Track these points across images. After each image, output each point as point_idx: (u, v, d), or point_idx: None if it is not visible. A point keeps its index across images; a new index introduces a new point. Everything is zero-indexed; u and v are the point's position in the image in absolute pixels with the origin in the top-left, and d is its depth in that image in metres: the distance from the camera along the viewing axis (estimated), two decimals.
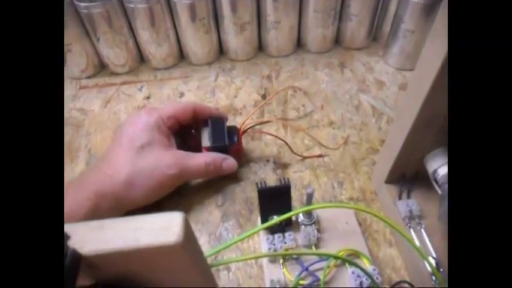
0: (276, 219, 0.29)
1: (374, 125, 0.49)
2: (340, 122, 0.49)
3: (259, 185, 0.32)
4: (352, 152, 0.45)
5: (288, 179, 0.33)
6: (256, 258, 0.34)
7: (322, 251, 0.34)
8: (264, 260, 0.34)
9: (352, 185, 0.42)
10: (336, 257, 0.29)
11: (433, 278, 0.30)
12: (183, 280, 0.17)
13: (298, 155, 0.45)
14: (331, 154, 0.45)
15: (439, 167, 0.33)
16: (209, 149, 0.41)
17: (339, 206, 0.33)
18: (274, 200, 0.33)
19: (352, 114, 0.51)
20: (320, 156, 0.45)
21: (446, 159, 0.32)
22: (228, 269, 0.35)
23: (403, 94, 0.51)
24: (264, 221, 0.35)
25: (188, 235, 0.12)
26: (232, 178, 0.43)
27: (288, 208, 0.34)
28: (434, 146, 0.33)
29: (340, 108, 0.52)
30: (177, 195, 0.40)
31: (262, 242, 0.35)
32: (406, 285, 0.26)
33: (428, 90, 0.27)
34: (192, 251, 0.14)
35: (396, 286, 0.27)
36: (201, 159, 0.39)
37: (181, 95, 0.56)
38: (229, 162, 0.41)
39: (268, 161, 0.45)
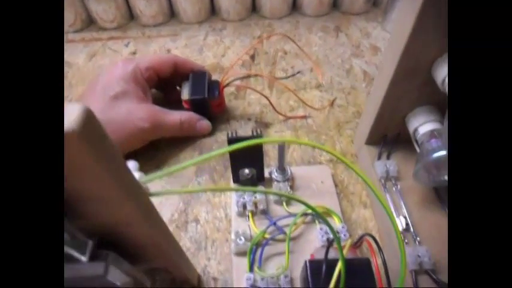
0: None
1: (363, 90, 0.47)
2: (328, 85, 0.48)
3: (230, 135, 0.31)
4: (337, 115, 0.44)
5: (261, 131, 0.31)
6: (201, 191, 0.33)
7: (285, 193, 0.33)
8: (233, 214, 0.33)
9: (333, 147, 0.40)
10: (308, 207, 0.27)
11: (402, 237, 0.29)
12: (117, 213, 0.16)
13: (282, 115, 0.43)
14: (316, 116, 0.44)
15: (420, 125, 0.31)
16: (188, 102, 0.40)
17: (298, 142, 0.32)
18: (246, 153, 0.31)
19: (341, 78, 0.49)
20: (304, 117, 0.43)
21: (426, 118, 0.31)
22: (197, 222, 0.34)
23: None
24: (234, 174, 0.34)
25: (93, 129, 0.11)
26: (210, 135, 0.42)
27: (260, 162, 0.33)
28: (416, 105, 0.32)
29: (330, 72, 0.49)
30: (153, 148, 0.40)
31: (233, 196, 0.34)
32: (369, 238, 0.25)
33: (407, 38, 0.25)
34: (105, 157, 0.13)
35: (360, 240, 0.26)
36: (176, 117, 0.38)
37: (168, 51, 0.55)
38: (203, 123, 0.41)
39: (249, 119, 0.43)
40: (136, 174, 0.17)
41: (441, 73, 0.27)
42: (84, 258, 0.15)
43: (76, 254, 0.15)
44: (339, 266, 0.23)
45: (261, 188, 0.33)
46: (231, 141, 0.31)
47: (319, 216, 0.21)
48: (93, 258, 0.16)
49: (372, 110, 0.33)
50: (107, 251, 0.16)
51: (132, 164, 0.18)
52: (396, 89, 0.29)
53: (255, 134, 0.31)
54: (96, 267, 0.16)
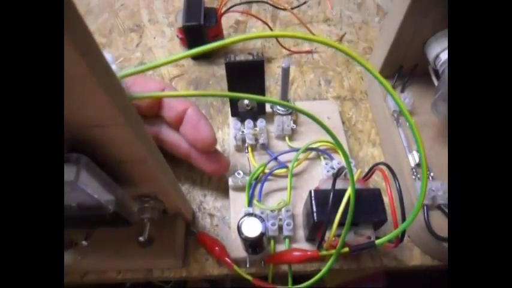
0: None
1: (376, 25, 0.43)
2: (337, 19, 0.43)
3: (228, 59, 0.27)
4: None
5: (262, 53, 0.28)
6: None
7: (292, 105, 0.30)
8: (231, 149, 0.31)
9: (341, 83, 0.37)
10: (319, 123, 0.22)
11: (414, 172, 0.27)
12: (88, 102, 0.13)
13: (286, 49, 0.39)
14: (322, 52, 0.40)
15: (442, 50, 0.27)
16: (182, 30, 0.36)
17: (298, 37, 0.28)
18: (245, 78, 0.28)
19: (352, 12, 0.44)
20: (309, 52, 0.40)
21: None
22: None
23: None
24: (233, 106, 0.31)
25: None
26: (208, 70, 0.38)
27: (262, 90, 0.29)
28: (440, 28, 0.28)
29: (340, 5, 0.45)
30: None
31: (230, 130, 0.31)
32: (383, 166, 0.22)
33: None
34: (72, 28, 0.09)
35: (370, 171, 0.24)
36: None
37: None
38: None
39: (250, 54, 0.39)
40: (113, 67, 0.14)
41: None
42: None
43: None
44: (348, 194, 0.21)
45: (261, 120, 0.30)
46: (229, 65, 0.27)
47: (330, 134, 0.18)
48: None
49: (388, 34, 0.29)
50: (79, 154, 0.14)
51: (107, 56, 0.15)
52: (420, 3, 0.25)
53: (255, 57, 0.28)
54: (65, 171, 0.13)
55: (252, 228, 0.21)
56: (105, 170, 0.16)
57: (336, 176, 0.22)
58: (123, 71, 0.14)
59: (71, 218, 0.19)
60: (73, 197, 0.16)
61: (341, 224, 0.21)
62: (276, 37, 0.37)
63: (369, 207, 0.22)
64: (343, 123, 0.34)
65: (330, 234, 0.21)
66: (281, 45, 0.39)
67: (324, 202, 0.22)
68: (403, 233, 0.20)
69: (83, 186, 0.13)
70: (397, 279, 0.65)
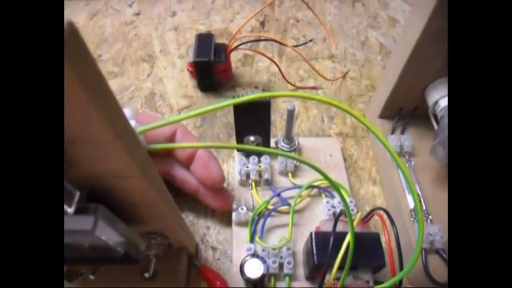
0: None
1: (379, 63, 0.44)
2: (341, 56, 0.45)
3: (236, 97, 0.29)
4: (349, 88, 0.41)
5: (269, 90, 0.29)
6: (208, 147, 0.30)
7: (296, 157, 0.31)
8: (235, 183, 0.32)
9: (343, 120, 0.38)
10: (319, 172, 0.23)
11: (413, 214, 0.28)
12: (109, 160, 0.14)
13: (291, 84, 0.41)
14: (327, 88, 0.41)
15: (441, 97, 0.29)
16: (192, 65, 0.38)
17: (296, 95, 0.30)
18: (252, 118, 0.29)
19: (356, 50, 0.46)
20: (314, 88, 0.41)
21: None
22: None
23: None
24: (239, 141, 0.32)
25: (78, 48, 0.09)
26: (215, 101, 0.40)
27: (267, 129, 0.31)
28: (439, 75, 0.29)
29: (344, 42, 0.47)
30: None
31: (236, 164, 0.32)
32: (381, 211, 0.23)
33: None
34: (94, 86, 0.11)
35: (370, 214, 0.25)
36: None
37: (174, 14, 0.52)
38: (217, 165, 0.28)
39: (256, 87, 0.41)
40: (132, 123, 0.15)
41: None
42: (70, 210, 0.14)
43: None
44: (348, 238, 0.22)
45: (266, 157, 0.31)
46: (237, 107, 0.29)
47: (331, 182, 0.19)
48: (80, 211, 0.14)
49: (390, 79, 0.31)
50: (97, 204, 0.15)
51: (127, 112, 0.16)
52: (420, 55, 0.27)
53: (263, 100, 0.29)
54: (83, 221, 0.14)
55: (254, 269, 0.22)
56: (118, 212, 0.17)
57: (336, 219, 0.23)
58: (141, 127, 0.15)
59: (82, 257, 0.20)
60: (86, 240, 0.17)
61: (340, 267, 0.22)
62: (275, 97, 0.38)
63: (368, 251, 0.23)
64: (345, 160, 0.35)
65: (329, 277, 0.22)
66: (286, 80, 0.41)
67: (324, 244, 0.23)
68: (400, 281, 0.21)
69: (99, 234, 0.14)
70: None
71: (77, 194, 0.14)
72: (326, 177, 0.19)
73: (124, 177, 0.15)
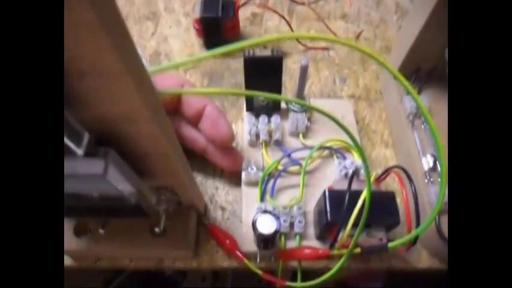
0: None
1: (394, 23, 0.42)
2: (355, 16, 0.43)
3: (247, 53, 0.27)
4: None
5: (281, 51, 0.28)
6: (220, 94, 0.28)
7: (314, 106, 0.30)
8: (245, 144, 0.31)
9: (356, 82, 0.37)
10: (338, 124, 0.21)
11: (427, 176, 0.27)
12: (119, 99, 0.13)
13: (302, 44, 0.39)
14: (338, 49, 0.40)
15: None
16: (199, 21, 0.36)
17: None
18: (263, 75, 0.28)
19: (370, 9, 0.43)
20: (325, 49, 0.39)
21: None
22: None
23: None
24: (248, 99, 0.31)
25: None
26: (222, 63, 0.38)
27: (278, 87, 0.29)
28: None
29: (358, 1, 0.44)
30: None
31: (245, 125, 0.32)
32: (399, 170, 0.22)
33: None
34: (108, 15, 0.10)
35: (385, 173, 0.24)
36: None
37: None
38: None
39: (265, 47, 0.39)
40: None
41: None
42: (79, 151, 0.13)
43: (70, 145, 0.12)
44: (363, 196, 0.21)
45: (276, 116, 0.30)
46: (248, 60, 0.27)
47: (349, 134, 0.18)
48: (90, 154, 0.14)
49: (409, 35, 0.29)
50: (107, 148, 0.14)
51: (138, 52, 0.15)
52: (443, 12, 0.25)
53: (274, 53, 0.28)
54: (94, 165, 0.13)
55: (267, 225, 0.21)
56: (128, 162, 0.17)
57: (351, 177, 0.22)
58: (148, 67, 0.14)
59: (92, 207, 0.19)
60: (96, 188, 0.16)
61: (354, 225, 0.21)
62: (298, 38, 0.36)
63: (382, 209, 0.22)
64: (357, 122, 0.34)
65: (343, 235, 0.21)
66: (298, 40, 0.39)
67: (338, 202, 0.22)
68: (416, 237, 0.20)
69: (111, 179, 0.14)
70: (395, 277, 0.66)
71: (86, 136, 0.13)
72: (345, 130, 0.18)
73: (134, 121, 0.14)
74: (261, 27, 0.41)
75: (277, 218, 0.22)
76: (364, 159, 0.19)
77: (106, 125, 0.14)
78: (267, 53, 0.27)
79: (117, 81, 0.12)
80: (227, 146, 0.27)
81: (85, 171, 0.13)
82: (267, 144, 0.30)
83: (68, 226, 0.25)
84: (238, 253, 0.26)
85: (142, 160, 0.18)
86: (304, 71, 0.28)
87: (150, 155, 0.17)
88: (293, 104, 0.31)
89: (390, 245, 0.21)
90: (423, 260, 0.27)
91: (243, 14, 0.42)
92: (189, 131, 0.28)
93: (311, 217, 0.27)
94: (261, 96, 0.19)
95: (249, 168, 0.28)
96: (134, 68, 0.12)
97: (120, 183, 0.15)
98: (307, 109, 0.31)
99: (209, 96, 0.25)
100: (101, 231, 0.22)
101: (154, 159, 0.18)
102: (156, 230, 0.22)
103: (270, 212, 0.22)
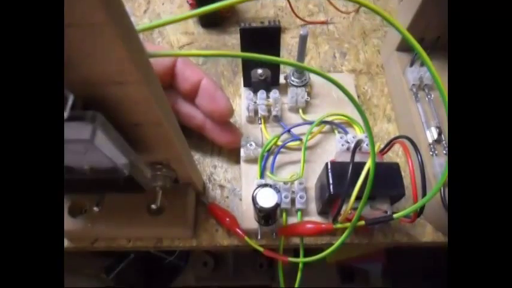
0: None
1: None
2: None
3: (243, 25, 0.26)
4: (363, 23, 0.38)
5: (278, 21, 0.27)
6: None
7: (317, 70, 0.29)
8: (243, 120, 0.30)
9: (356, 56, 0.36)
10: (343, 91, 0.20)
11: (432, 148, 0.26)
12: (106, 58, 0.12)
13: (300, 18, 0.38)
14: (338, 22, 0.38)
15: None
16: None
17: None
18: (260, 45, 0.27)
19: None
20: (324, 23, 0.38)
21: None
22: None
23: None
24: (245, 74, 0.30)
25: None
26: (218, 39, 0.37)
27: (277, 57, 0.28)
28: None
29: None
30: None
31: (242, 100, 0.31)
32: (404, 140, 0.21)
33: None
34: None
35: (389, 144, 0.23)
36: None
37: None
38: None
39: (262, 22, 0.38)
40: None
41: None
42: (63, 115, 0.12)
43: None
44: (367, 166, 0.20)
45: (275, 91, 0.29)
46: (244, 31, 0.26)
47: (354, 102, 0.17)
48: (76, 118, 0.13)
49: (411, 6, 0.28)
50: (94, 112, 0.13)
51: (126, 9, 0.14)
52: None
53: (272, 23, 0.27)
54: (81, 129, 0.12)
55: (267, 199, 0.21)
56: (119, 132, 0.16)
57: (354, 148, 0.22)
58: (136, 26, 0.13)
59: (83, 182, 0.18)
60: (86, 160, 0.16)
61: (357, 198, 0.21)
62: None
63: (386, 181, 0.22)
64: (358, 97, 0.33)
65: (346, 207, 0.21)
66: (295, 14, 0.37)
67: (340, 175, 0.22)
68: (421, 208, 0.20)
69: (99, 145, 0.13)
70: (396, 259, 0.66)
71: (71, 98, 0.12)
72: (348, 95, 0.17)
73: (123, 83, 0.13)
74: (258, 1, 0.40)
75: (278, 191, 0.21)
76: (368, 128, 0.18)
77: (93, 88, 0.13)
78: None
79: (101, 33, 0.11)
80: (226, 121, 0.26)
81: (71, 136, 0.12)
82: (265, 120, 0.29)
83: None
84: (238, 230, 0.25)
85: (134, 130, 0.17)
86: (303, 41, 0.26)
87: (143, 125, 0.17)
88: (292, 78, 0.30)
89: (395, 215, 0.20)
90: (427, 234, 0.27)
91: None
92: (185, 107, 0.27)
93: (312, 194, 0.26)
94: (261, 58, 0.18)
95: (248, 145, 0.27)
96: (119, 19, 0.11)
97: (109, 151, 0.14)
98: (307, 83, 0.30)
99: (205, 54, 0.23)
100: (96, 209, 0.21)
101: (147, 130, 0.17)
102: (153, 206, 0.22)
103: (270, 186, 0.21)
